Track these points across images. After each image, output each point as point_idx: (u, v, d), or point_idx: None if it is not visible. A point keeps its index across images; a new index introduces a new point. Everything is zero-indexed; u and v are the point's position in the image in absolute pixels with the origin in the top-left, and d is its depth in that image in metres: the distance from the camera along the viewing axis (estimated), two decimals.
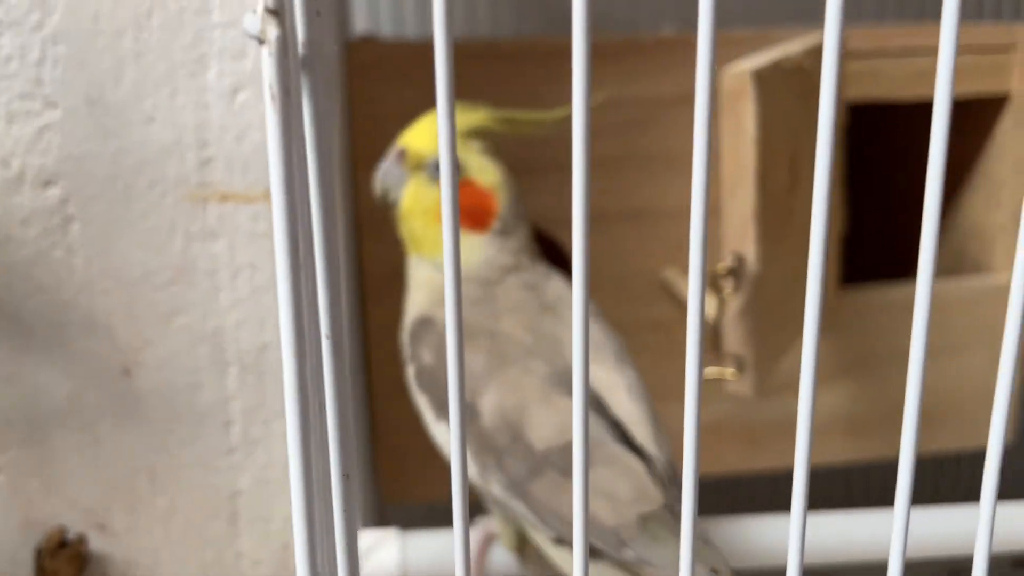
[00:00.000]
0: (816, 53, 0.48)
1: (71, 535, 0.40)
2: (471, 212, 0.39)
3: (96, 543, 0.40)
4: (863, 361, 0.58)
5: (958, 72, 0.60)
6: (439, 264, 0.39)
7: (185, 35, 0.36)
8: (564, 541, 0.35)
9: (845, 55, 0.54)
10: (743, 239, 0.43)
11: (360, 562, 0.41)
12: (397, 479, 0.53)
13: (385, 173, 0.39)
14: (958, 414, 0.60)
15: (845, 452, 0.60)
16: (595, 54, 0.62)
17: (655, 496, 0.33)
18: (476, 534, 0.40)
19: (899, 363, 0.62)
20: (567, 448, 0.33)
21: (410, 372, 0.38)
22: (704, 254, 0.17)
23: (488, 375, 0.35)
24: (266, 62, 0.13)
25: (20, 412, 0.39)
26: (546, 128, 0.40)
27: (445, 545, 0.39)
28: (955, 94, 0.54)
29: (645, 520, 0.33)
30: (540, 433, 0.34)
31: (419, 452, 0.47)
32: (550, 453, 0.34)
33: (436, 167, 0.39)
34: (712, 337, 0.44)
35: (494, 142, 0.40)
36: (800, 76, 0.45)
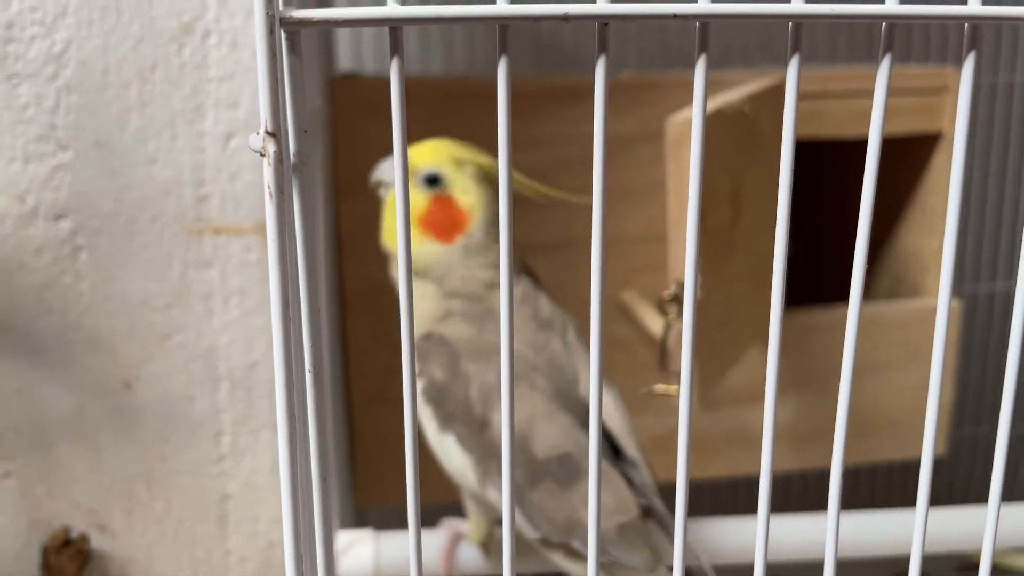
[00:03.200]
0: (756, 99, 0.53)
1: (74, 534, 0.44)
2: (440, 223, 0.41)
3: (97, 542, 0.44)
4: (807, 378, 0.63)
5: (896, 112, 0.68)
6: (419, 272, 0.42)
7: (185, 87, 0.40)
8: (549, 542, 0.38)
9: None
10: (684, 269, 0.47)
11: (338, 559, 0.45)
12: (374, 484, 0.57)
13: (382, 169, 0.43)
14: (894, 427, 0.64)
15: (790, 461, 0.64)
16: (565, 94, 0.68)
17: (632, 507, 0.37)
18: (445, 533, 0.44)
19: (837, 378, 0.67)
20: (563, 459, 0.37)
21: (418, 385, 0.40)
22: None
23: (500, 390, 0.39)
24: (266, 170, 0.17)
25: (29, 422, 0.43)
26: (535, 194, 0.44)
27: (409, 544, 0.43)
28: (893, 132, 0.62)
29: (623, 528, 0.37)
30: (542, 444, 0.38)
31: (396, 459, 0.51)
32: (549, 463, 0.37)
33: (425, 179, 0.41)
34: (660, 357, 0.49)
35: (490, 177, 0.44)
36: (741, 120, 0.50)
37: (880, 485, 0.77)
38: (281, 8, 0.16)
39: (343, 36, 0.65)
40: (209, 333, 0.42)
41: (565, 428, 0.38)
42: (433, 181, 0.41)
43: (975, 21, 0.19)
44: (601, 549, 0.37)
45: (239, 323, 0.43)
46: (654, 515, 0.39)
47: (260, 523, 0.45)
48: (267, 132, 0.17)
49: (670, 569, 0.35)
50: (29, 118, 0.40)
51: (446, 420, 0.40)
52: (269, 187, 0.17)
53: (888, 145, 0.63)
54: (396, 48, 0.17)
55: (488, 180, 0.42)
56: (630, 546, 0.36)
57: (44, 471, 0.43)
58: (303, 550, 0.23)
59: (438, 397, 0.40)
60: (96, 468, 0.43)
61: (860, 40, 0.73)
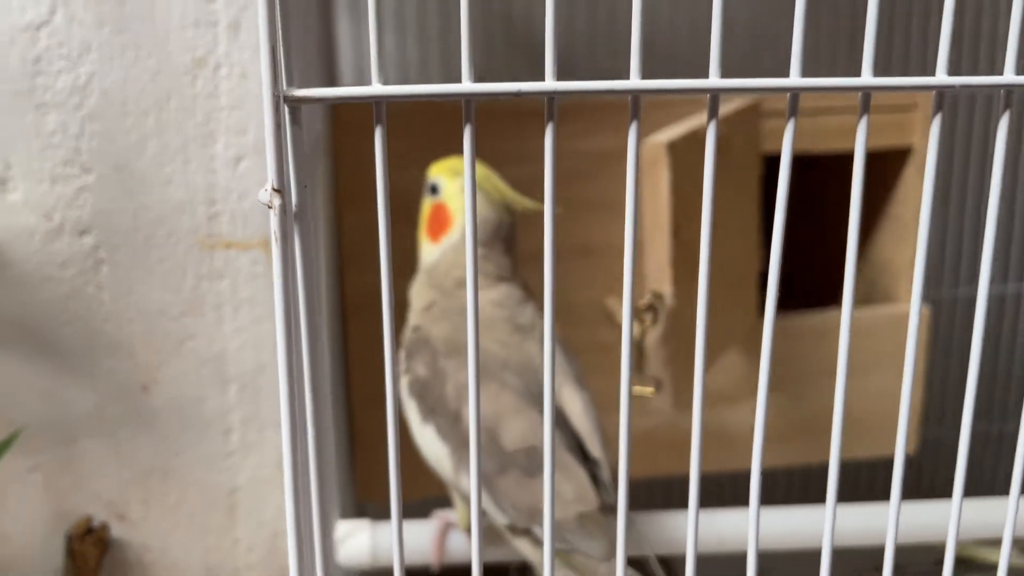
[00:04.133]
0: (729, 120, 0.56)
1: (96, 523, 0.47)
2: (433, 224, 0.48)
3: (116, 530, 0.48)
4: (782, 381, 0.66)
5: (869, 128, 0.71)
6: (422, 268, 0.48)
7: (197, 115, 0.44)
8: (515, 527, 0.42)
9: (764, 114, 0.62)
10: (661, 280, 0.51)
11: (338, 547, 0.49)
12: (373, 481, 0.61)
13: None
14: (866, 427, 0.68)
15: (768, 459, 0.68)
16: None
17: (592, 499, 0.41)
18: (436, 523, 0.48)
19: (811, 381, 0.71)
20: (530, 451, 0.41)
21: (403, 381, 0.45)
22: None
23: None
24: (272, 219, 0.21)
25: (54, 421, 0.46)
26: (517, 206, 0.48)
27: (410, 533, 0.47)
28: (865, 148, 0.66)
29: (582, 518, 0.41)
30: (510, 437, 0.41)
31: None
32: (516, 454, 0.41)
33: (430, 187, 0.48)
34: (637, 361, 0.52)
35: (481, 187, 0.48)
36: (719, 141, 0.53)
37: (849, 482, 0.81)
38: (284, 88, 0.20)
39: (345, 59, 0.69)
40: (220, 339, 0.46)
41: (533, 423, 0.41)
42: (434, 190, 0.48)
43: (868, 90, 0.22)
44: (559, 536, 0.41)
45: (248, 330, 0.46)
46: (614, 510, 0.42)
47: (266, 514, 0.49)
48: (274, 189, 0.21)
49: (627, 561, 0.39)
50: (56, 143, 0.43)
51: (427, 413, 0.44)
52: (275, 233, 0.21)
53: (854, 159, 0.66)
54: (379, 119, 0.21)
55: (479, 189, 0.46)
56: (588, 535, 0.40)
57: (68, 465, 0.47)
58: (304, 538, 0.26)
59: (421, 392, 0.44)
60: (116, 463, 0.47)
61: (839, 58, 0.76)
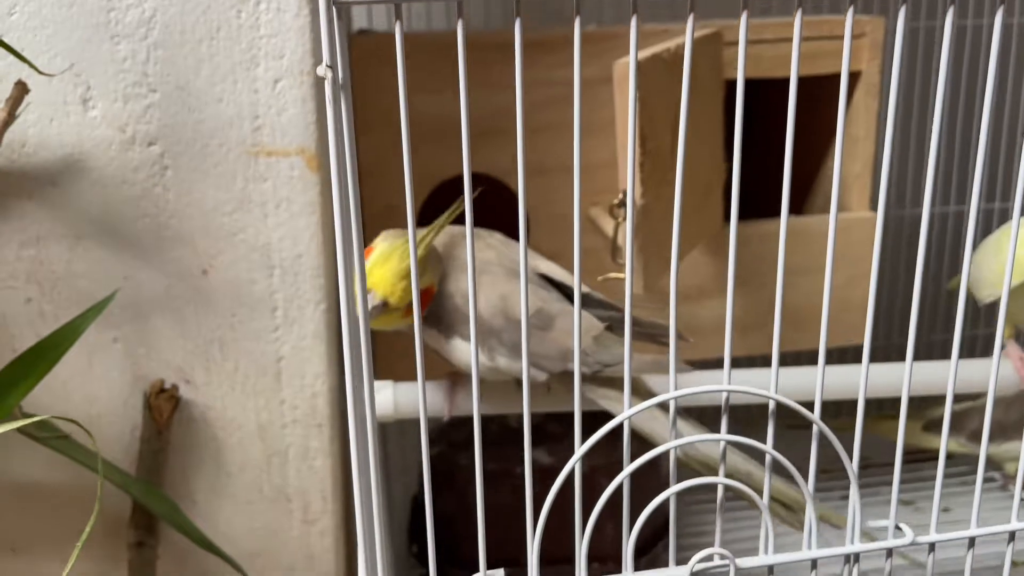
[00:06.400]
0: (693, 45, 0.65)
1: (168, 385, 0.58)
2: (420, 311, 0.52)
3: (184, 392, 0.58)
4: (744, 279, 0.76)
5: (823, 54, 0.84)
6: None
7: (242, 43, 0.53)
8: (552, 375, 0.50)
9: (727, 43, 0.71)
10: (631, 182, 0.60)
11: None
12: (388, 363, 0.71)
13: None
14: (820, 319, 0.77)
15: (735, 348, 0.78)
16: (539, 45, 0.86)
17: (597, 324, 0.51)
18: (447, 381, 0.58)
19: (773, 280, 0.80)
20: (537, 313, 0.50)
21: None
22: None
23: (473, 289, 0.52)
24: (328, 87, 0.30)
25: (132, 300, 0.56)
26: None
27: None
28: (819, 72, 0.78)
29: (596, 339, 0.51)
30: (517, 308, 0.50)
31: (406, 350, 0.64)
32: (528, 320, 0.51)
33: (376, 307, 0.48)
34: (611, 251, 0.62)
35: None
36: (677, 62, 0.62)
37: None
38: None
39: None
40: (265, 231, 0.56)
41: (530, 292, 0.51)
42: (384, 306, 0.48)
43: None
44: (586, 362, 0.50)
45: (287, 224, 0.56)
46: (618, 327, 0.52)
47: (306, 378, 0.59)
48: (327, 65, 0.30)
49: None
50: (127, 68, 0.53)
51: (449, 332, 0.52)
52: (329, 96, 0.30)
53: (816, 83, 0.81)
54: (399, 17, 0.30)
55: (420, 265, 0.49)
56: (606, 349, 0.50)
57: (144, 337, 0.57)
58: (357, 390, 0.34)
59: (435, 322, 0.51)
60: (182, 336, 0.57)
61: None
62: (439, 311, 0.52)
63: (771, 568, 0.37)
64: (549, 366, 0.51)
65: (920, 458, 0.86)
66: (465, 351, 0.52)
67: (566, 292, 0.54)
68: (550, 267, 0.54)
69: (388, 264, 0.47)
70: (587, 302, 0.53)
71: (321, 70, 0.30)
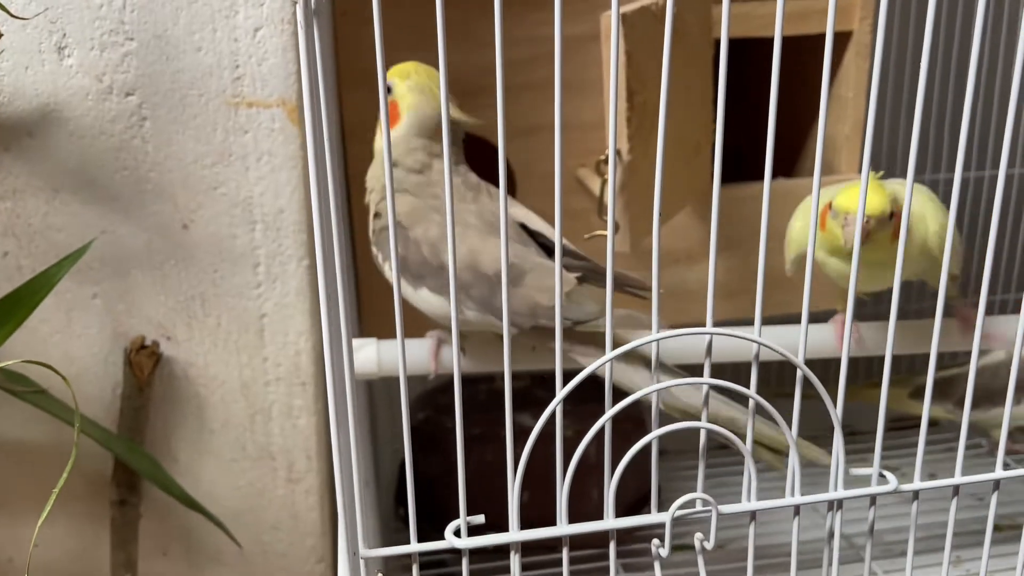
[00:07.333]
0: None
1: (148, 341, 0.57)
2: (391, 118, 0.54)
3: (165, 348, 0.58)
4: (732, 243, 0.75)
5: (813, 13, 0.82)
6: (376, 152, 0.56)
7: None
8: (523, 329, 0.50)
9: (716, 0, 0.70)
10: (619, 138, 0.59)
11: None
12: (375, 321, 0.71)
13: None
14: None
15: (722, 312, 0.77)
16: (524, 2, 0.84)
17: (571, 279, 0.50)
18: (431, 339, 0.58)
19: (759, 243, 0.79)
20: (509, 265, 0.50)
21: (384, 268, 0.53)
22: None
23: (445, 238, 0.52)
24: (298, 10, 0.29)
25: (111, 255, 0.56)
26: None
27: (410, 348, 0.57)
28: (811, 31, 0.76)
29: (569, 295, 0.50)
30: (487, 262, 0.50)
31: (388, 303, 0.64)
32: (497, 274, 0.51)
33: (386, 87, 0.54)
34: (598, 207, 0.61)
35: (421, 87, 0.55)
36: (664, 16, 0.61)
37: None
38: None
39: None
40: (246, 185, 0.55)
41: (500, 246, 0.50)
42: (389, 90, 0.54)
43: None
44: (554, 317, 0.50)
45: (269, 177, 0.55)
46: (591, 279, 0.51)
47: (289, 335, 0.58)
48: None
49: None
50: (103, 15, 0.51)
51: (416, 280, 0.52)
52: (300, 23, 0.29)
53: (807, 42, 0.80)
54: None
55: (419, 90, 0.54)
56: (578, 305, 0.50)
57: (123, 293, 0.56)
58: (334, 346, 0.34)
59: (404, 266, 0.52)
60: (163, 291, 0.57)
61: None
62: (408, 257, 0.51)
63: (753, 514, 0.37)
64: (519, 321, 0.50)
65: (907, 424, 0.86)
66: (433, 302, 0.52)
67: (544, 243, 0.53)
68: (529, 216, 0.54)
69: (406, 64, 0.53)
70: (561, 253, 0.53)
71: None
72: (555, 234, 0.53)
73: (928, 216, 0.55)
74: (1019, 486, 0.81)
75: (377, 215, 0.54)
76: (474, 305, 0.51)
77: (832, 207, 0.54)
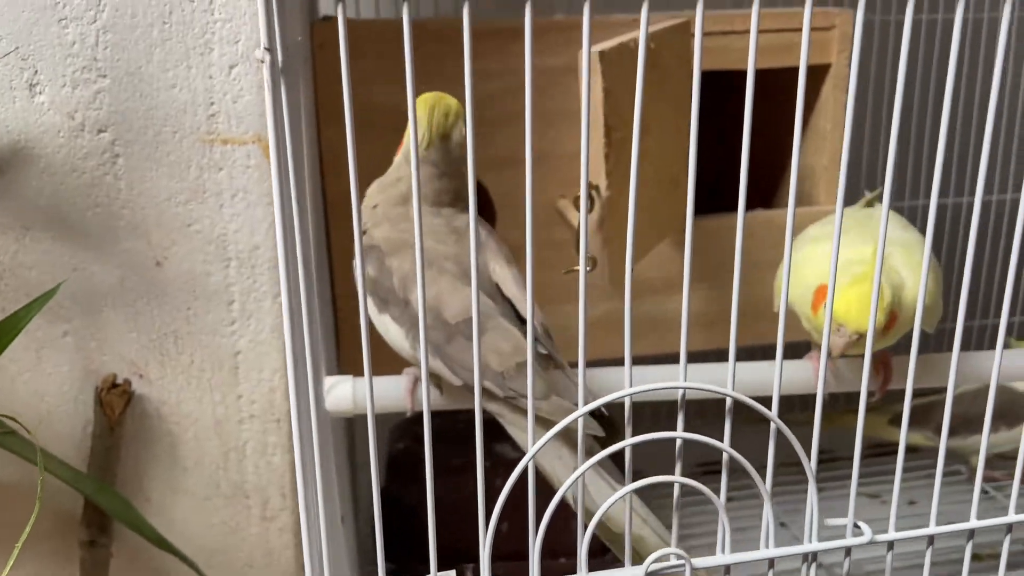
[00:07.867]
0: (658, 36, 0.64)
1: (120, 380, 0.56)
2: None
3: (137, 386, 0.57)
4: (712, 272, 0.75)
5: (791, 46, 0.83)
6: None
7: (196, 27, 0.51)
8: (467, 385, 0.51)
9: (693, 34, 0.70)
10: (596, 174, 0.59)
11: (325, 396, 0.58)
12: (354, 358, 0.70)
13: None
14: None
15: (698, 342, 0.77)
16: (507, 33, 0.84)
17: (524, 350, 0.50)
18: (407, 376, 0.57)
19: (741, 275, 0.80)
20: (469, 321, 0.49)
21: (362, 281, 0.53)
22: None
23: (415, 275, 0.51)
24: (265, 71, 0.29)
25: (83, 292, 0.55)
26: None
27: (383, 386, 0.56)
28: (789, 64, 0.76)
29: (520, 366, 0.50)
30: (451, 311, 0.50)
31: (374, 344, 0.64)
32: (458, 325, 0.50)
33: None
34: (575, 242, 0.61)
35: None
36: (648, 52, 0.61)
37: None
38: None
39: None
40: (220, 222, 0.54)
41: (469, 298, 0.50)
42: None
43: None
44: (504, 386, 0.49)
45: (243, 214, 0.55)
46: (549, 358, 0.51)
47: (264, 372, 0.58)
48: (265, 48, 0.29)
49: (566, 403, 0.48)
50: (76, 52, 0.51)
51: (382, 305, 0.51)
52: (267, 82, 0.29)
53: (785, 75, 0.80)
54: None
55: (417, 120, 0.54)
56: (525, 379, 0.49)
57: (95, 331, 0.56)
58: (301, 385, 0.34)
59: (374, 288, 0.52)
60: (135, 329, 0.56)
61: None
62: (377, 279, 0.51)
63: (728, 568, 0.37)
64: (464, 376, 0.50)
65: (886, 451, 0.86)
66: (392, 330, 0.52)
67: (512, 307, 0.52)
68: (505, 277, 0.53)
69: (428, 95, 0.51)
70: (522, 321, 0.52)
71: (259, 53, 0.29)
72: (526, 303, 0.53)
73: (909, 284, 0.51)
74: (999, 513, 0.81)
75: (364, 233, 0.54)
76: (429, 347, 0.50)
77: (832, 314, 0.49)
